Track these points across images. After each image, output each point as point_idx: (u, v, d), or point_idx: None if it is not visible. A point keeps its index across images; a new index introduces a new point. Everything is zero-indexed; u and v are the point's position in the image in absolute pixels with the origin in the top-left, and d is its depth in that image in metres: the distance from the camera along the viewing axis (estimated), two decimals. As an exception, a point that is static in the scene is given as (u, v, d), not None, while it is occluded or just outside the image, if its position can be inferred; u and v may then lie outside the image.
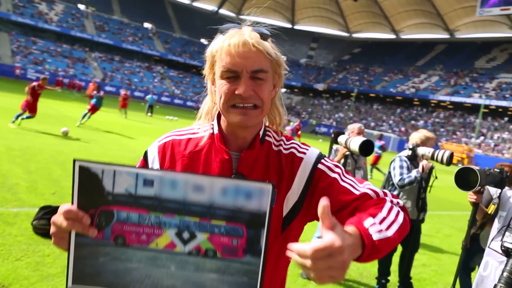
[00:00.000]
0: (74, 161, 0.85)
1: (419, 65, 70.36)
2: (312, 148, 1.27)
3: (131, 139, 13.86)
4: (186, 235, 0.88)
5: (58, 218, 0.90)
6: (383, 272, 4.40)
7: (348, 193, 1.15)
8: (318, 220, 1.14)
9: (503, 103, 50.86)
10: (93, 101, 15.82)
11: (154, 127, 20.09)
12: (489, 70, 60.82)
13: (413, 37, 79.27)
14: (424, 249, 6.26)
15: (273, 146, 1.24)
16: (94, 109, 15.80)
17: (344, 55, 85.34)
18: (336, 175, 1.20)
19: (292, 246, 0.80)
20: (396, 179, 4.13)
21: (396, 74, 69.52)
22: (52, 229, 0.93)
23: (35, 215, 4.49)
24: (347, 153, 4.11)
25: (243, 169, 1.17)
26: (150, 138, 13.57)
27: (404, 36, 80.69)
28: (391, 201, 1.13)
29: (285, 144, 1.26)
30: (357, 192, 1.15)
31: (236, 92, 1.10)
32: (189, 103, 56.38)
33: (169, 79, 65.38)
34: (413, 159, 4.24)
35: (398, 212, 1.08)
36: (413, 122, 57.73)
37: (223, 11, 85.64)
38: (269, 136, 1.25)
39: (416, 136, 4.34)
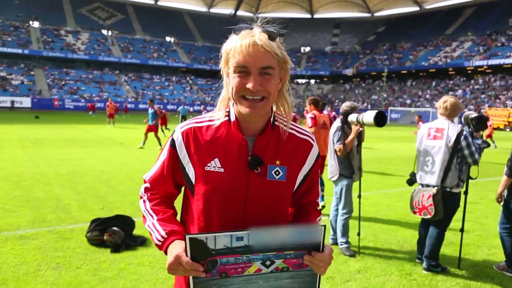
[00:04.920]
0: (185, 235, 1.19)
1: (448, 33, 68.01)
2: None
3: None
4: (268, 263, 1.25)
5: (179, 267, 1.23)
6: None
7: (316, 197, 1.59)
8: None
9: (545, 58, 48.29)
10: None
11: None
12: (525, 26, 57.85)
13: (438, 6, 76.67)
14: (467, 216, 6.16)
15: (285, 129, 1.46)
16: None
17: (368, 36, 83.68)
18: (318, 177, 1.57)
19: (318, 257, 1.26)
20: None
21: (426, 47, 67.51)
22: (171, 271, 1.25)
23: (88, 228, 4.86)
24: (360, 129, 4.28)
25: (257, 151, 1.39)
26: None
27: (428, 6, 78.20)
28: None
29: (297, 127, 1.51)
30: (316, 199, 1.58)
31: (246, 86, 1.29)
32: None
33: (198, 88, 66.52)
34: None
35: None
36: (451, 92, 55.82)
37: (240, 12, 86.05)
38: (277, 121, 1.45)
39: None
